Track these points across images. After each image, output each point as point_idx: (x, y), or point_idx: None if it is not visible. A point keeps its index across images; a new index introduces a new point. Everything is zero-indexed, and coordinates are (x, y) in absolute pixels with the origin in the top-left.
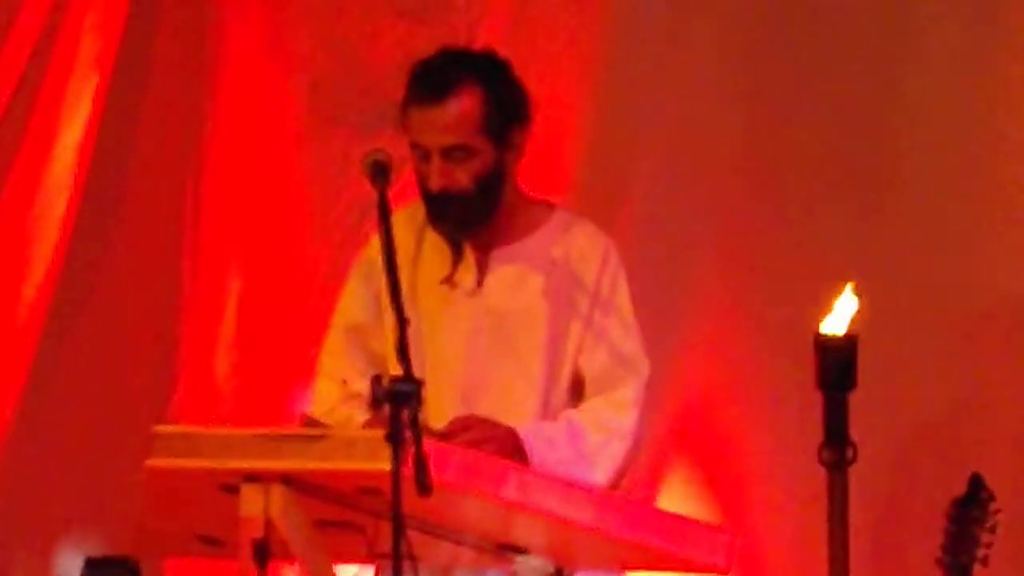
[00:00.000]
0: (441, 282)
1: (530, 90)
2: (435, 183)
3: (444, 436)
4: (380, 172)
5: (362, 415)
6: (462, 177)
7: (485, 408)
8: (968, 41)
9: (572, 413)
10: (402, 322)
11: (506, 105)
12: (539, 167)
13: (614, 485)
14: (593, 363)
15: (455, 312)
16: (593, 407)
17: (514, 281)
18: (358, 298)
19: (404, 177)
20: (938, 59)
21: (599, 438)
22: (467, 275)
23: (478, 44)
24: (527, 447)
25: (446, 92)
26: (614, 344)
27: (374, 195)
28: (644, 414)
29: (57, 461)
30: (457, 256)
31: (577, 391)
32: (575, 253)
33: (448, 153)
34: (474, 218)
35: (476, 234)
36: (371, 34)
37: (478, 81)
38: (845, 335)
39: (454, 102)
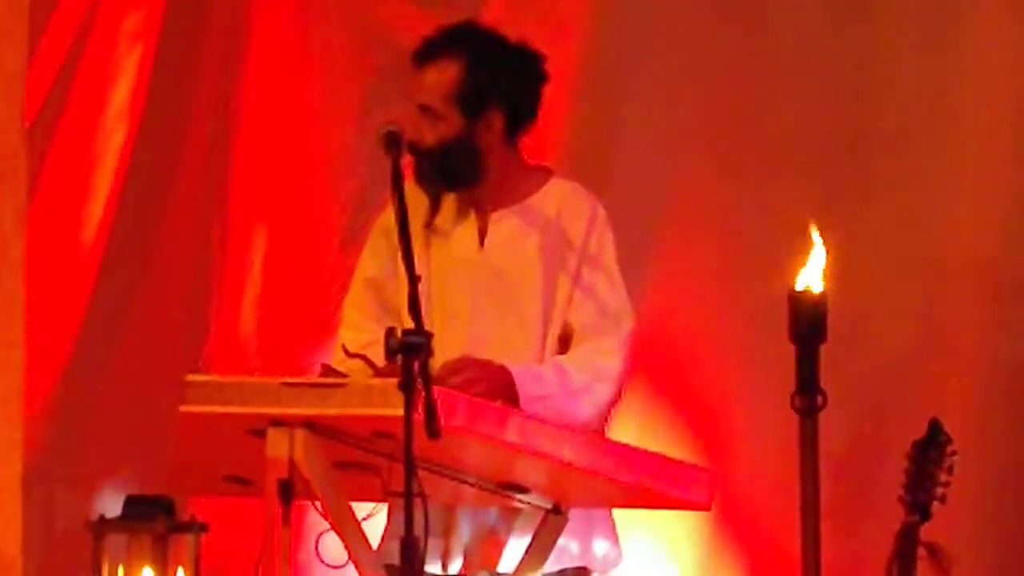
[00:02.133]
0: (424, 227)
1: None
2: (408, 134)
3: (439, 378)
4: (393, 143)
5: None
6: (428, 136)
7: (489, 359)
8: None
9: (560, 357)
10: (413, 280)
11: (486, 85)
12: (532, 140)
13: (598, 424)
14: (580, 316)
15: (461, 271)
16: (579, 352)
17: (513, 241)
18: (376, 255)
19: None
20: (910, 22)
21: (584, 378)
22: (470, 236)
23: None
24: (516, 383)
25: (431, 58)
26: (600, 298)
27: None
28: (629, 363)
29: (100, 405)
30: (434, 208)
31: (565, 344)
32: (566, 212)
33: (422, 111)
34: (437, 175)
35: (475, 196)
36: (387, 18)
37: (463, 57)
38: (816, 293)
39: (433, 68)
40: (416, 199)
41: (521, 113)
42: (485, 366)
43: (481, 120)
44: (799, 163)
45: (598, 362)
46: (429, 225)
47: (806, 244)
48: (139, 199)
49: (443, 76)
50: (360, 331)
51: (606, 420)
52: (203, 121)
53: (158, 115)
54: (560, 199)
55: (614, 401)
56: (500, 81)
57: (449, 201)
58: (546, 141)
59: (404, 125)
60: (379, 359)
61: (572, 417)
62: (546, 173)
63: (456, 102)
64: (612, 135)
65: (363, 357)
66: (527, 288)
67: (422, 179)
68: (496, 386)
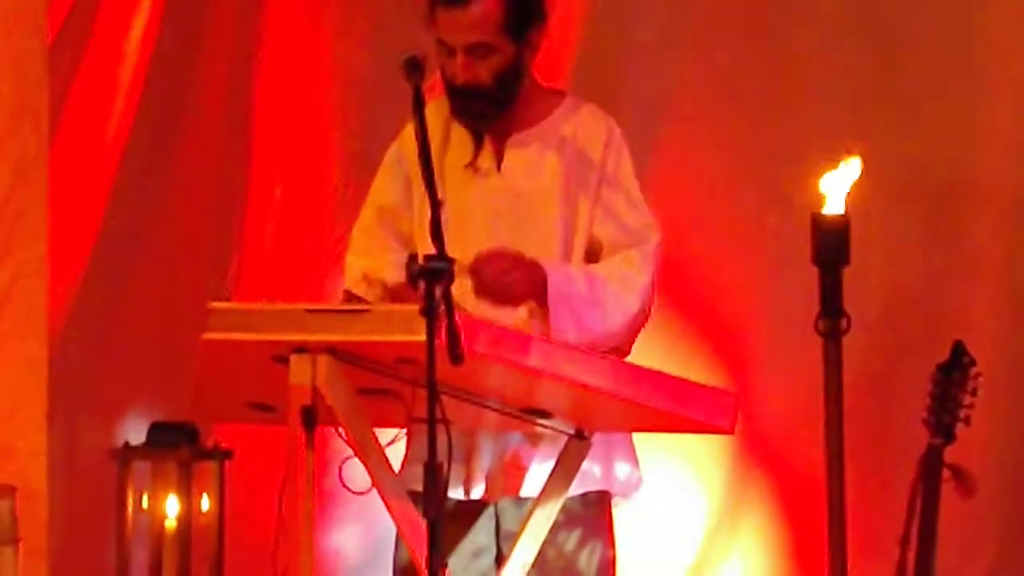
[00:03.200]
0: (465, 167)
1: None
2: (460, 77)
3: (472, 269)
4: (415, 68)
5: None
6: (483, 73)
7: None
8: None
9: (590, 265)
10: (435, 204)
11: (524, 6)
12: (541, 59)
13: (626, 337)
14: (603, 233)
15: (477, 194)
16: (610, 263)
17: (530, 163)
18: (389, 182)
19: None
20: None
21: (615, 287)
22: (487, 160)
23: None
24: (548, 277)
25: None
26: (621, 218)
27: (399, 93)
28: (656, 277)
29: (122, 332)
30: (478, 145)
31: (593, 259)
32: (581, 132)
33: (471, 50)
34: (493, 110)
35: (494, 122)
36: None
37: None
38: (839, 215)
39: (477, 4)
40: (431, 124)
41: (545, 22)
42: (519, 257)
43: (525, 41)
44: (823, 87)
45: (628, 273)
46: (473, 164)
47: (830, 166)
48: (155, 127)
49: (488, 8)
50: (371, 256)
51: (634, 335)
52: (223, 42)
53: (176, 39)
54: (576, 120)
55: (641, 314)
56: None
57: (461, 128)
58: (559, 60)
59: (425, 52)
60: (380, 287)
61: (601, 326)
62: (560, 95)
63: (506, 31)
64: (623, 54)
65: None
66: (547, 208)
67: (471, 118)
68: (528, 277)
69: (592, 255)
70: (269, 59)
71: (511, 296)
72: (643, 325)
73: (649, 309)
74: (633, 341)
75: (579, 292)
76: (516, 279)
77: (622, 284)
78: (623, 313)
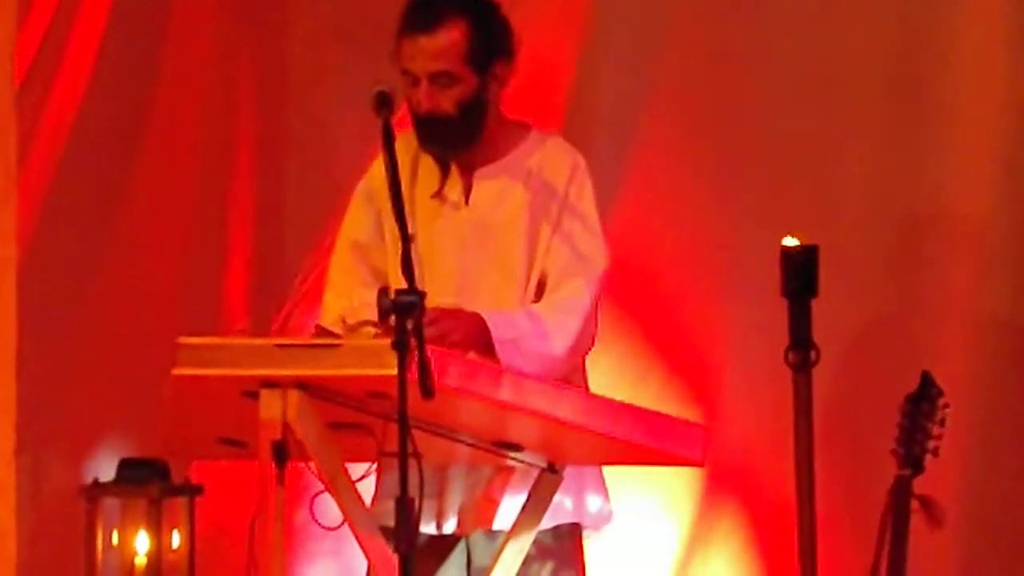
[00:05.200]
0: (431, 197)
1: (520, 30)
2: (424, 105)
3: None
4: (384, 102)
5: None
6: (446, 102)
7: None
8: None
9: (531, 304)
10: (406, 239)
11: (490, 39)
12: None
13: (572, 363)
14: (555, 262)
15: (446, 227)
16: (549, 297)
17: (497, 195)
18: (361, 218)
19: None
20: None
21: (554, 317)
22: (455, 193)
23: None
24: (490, 325)
25: (435, 23)
26: (575, 244)
27: (369, 128)
28: (597, 300)
29: (91, 368)
30: (444, 174)
31: (541, 291)
32: (547, 163)
33: (435, 79)
34: (458, 139)
35: (461, 154)
36: None
37: (465, 15)
38: (807, 247)
39: (442, 33)
40: (400, 157)
41: (512, 58)
42: (456, 315)
43: (490, 74)
44: (792, 119)
45: (565, 301)
46: (440, 194)
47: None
48: (122, 157)
49: (453, 37)
50: (349, 298)
51: (582, 358)
52: (194, 72)
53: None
54: (542, 153)
55: (583, 335)
56: (498, 30)
57: (428, 161)
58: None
59: (395, 85)
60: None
61: (547, 355)
62: (525, 128)
63: (469, 61)
64: (597, 72)
65: (368, 323)
66: (513, 241)
67: (436, 146)
68: (470, 332)
69: (540, 286)
70: (238, 88)
71: (450, 346)
72: (588, 349)
73: (593, 332)
74: (579, 364)
75: (523, 333)
76: (458, 339)
77: (562, 311)
78: (566, 339)
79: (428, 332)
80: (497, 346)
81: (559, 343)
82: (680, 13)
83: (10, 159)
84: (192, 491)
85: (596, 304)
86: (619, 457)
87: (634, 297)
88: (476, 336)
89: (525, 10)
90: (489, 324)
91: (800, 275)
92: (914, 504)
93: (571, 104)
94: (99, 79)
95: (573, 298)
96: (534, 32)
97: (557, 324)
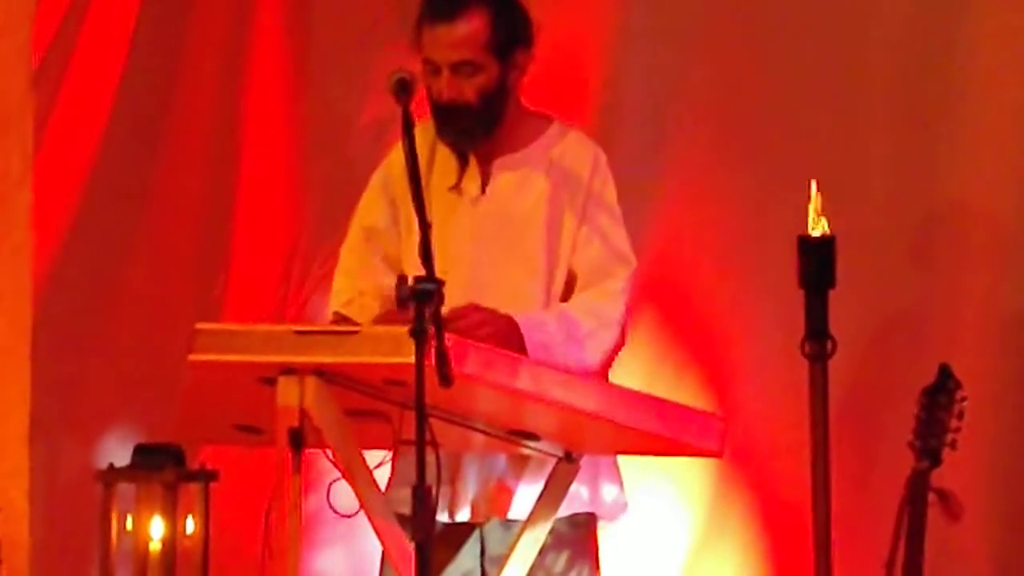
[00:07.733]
0: (449, 189)
1: (550, 24)
2: (445, 95)
3: (443, 323)
4: (404, 88)
5: (378, 308)
6: (468, 90)
7: (493, 305)
8: None
9: (564, 304)
10: (424, 226)
11: (511, 27)
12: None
13: (603, 370)
14: (585, 257)
15: (463, 217)
16: (583, 298)
17: (516, 186)
18: (376, 204)
19: (418, 96)
20: None
21: (589, 323)
22: (472, 183)
23: None
24: (522, 329)
25: (457, 12)
26: (606, 237)
27: (389, 115)
28: (631, 305)
29: (107, 353)
30: (463, 165)
31: (570, 288)
32: (569, 154)
33: (457, 68)
34: (478, 129)
35: (481, 144)
36: None
37: (486, 4)
38: (824, 237)
39: (463, 22)
40: (418, 146)
41: (532, 46)
42: (491, 312)
43: (511, 62)
44: (812, 113)
45: (602, 307)
46: (457, 187)
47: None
48: (139, 143)
49: (475, 26)
50: (357, 278)
51: (610, 364)
52: (209, 57)
53: (159, 53)
54: (563, 145)
55: (618, 345)
56: (517, 19)
57: (446, 152)
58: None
59: (414, 72)
60: (370, 309)
61: (578, 363)
62: (547, 119)
63: (492, 49)
64: (622, 70)
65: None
66: (532, 231)
67: (456, 135)
68: (501, 332)
69: (569, 284)
70: (257, 74)
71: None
72: (620, 350)
73: (625, 336)
74: (611, 362)
75: (556, 339)
76: (488, 333)
77: (596, 320)
78: (600, 350)
79: (458, 323)
80: (529, 348)
81: (593, 353)
82: (711, 8)
83: (26, 144)
84: (207, 477)
85: (630, 309)
86: (636, 447)
87: (650, 287)
88: (506, 335)
89: (554, 3)
90: (522, 329)
91: (818, 266)
92: (931, 497)
93: (599, 99)
94: (117, 67)
95: (610, 305)
96: (563, 25)
97: (592, 333)
